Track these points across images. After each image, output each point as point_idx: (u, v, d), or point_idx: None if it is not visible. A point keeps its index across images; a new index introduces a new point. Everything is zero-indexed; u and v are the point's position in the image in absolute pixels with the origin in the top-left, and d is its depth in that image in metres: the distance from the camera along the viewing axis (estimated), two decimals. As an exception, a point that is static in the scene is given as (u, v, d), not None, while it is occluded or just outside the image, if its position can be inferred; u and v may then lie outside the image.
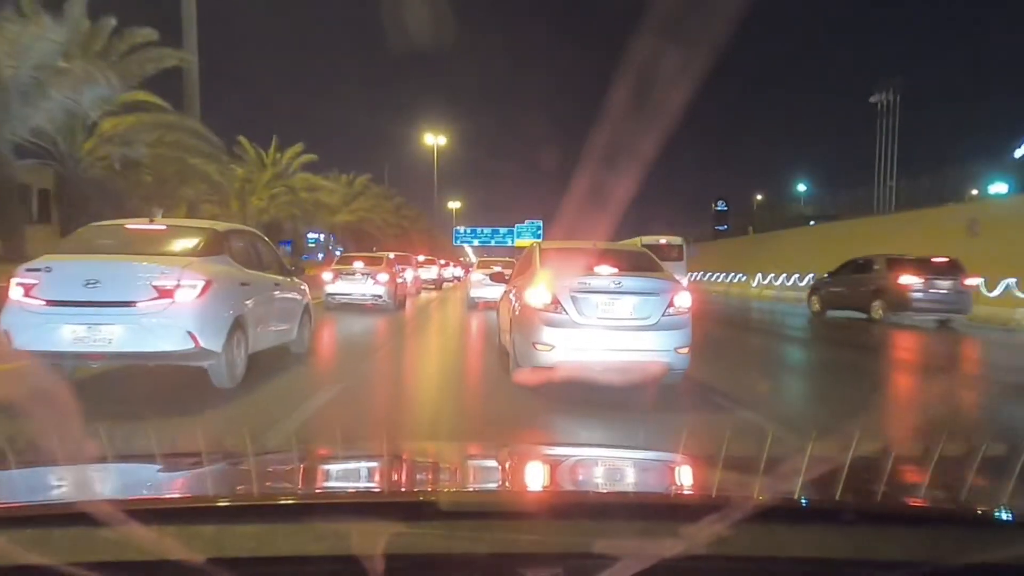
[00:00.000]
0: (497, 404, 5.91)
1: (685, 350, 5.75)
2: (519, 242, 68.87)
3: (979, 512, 1.23)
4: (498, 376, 7.02)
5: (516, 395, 5.96)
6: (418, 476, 1.66)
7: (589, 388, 5.69)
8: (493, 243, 70.45)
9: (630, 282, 5.86)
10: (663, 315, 5.70)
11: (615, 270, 6.02)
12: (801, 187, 65.15)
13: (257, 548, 1.02)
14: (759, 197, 68.17)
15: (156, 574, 0.97)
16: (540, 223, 70.24)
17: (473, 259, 50.28)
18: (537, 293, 5.79)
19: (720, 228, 70.48)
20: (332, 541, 1.01)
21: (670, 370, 5.71)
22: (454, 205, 73.16)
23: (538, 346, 5.63)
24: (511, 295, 6.96)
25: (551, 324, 5.64)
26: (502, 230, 71.89)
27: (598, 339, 5.64)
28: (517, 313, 6.18)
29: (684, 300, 5.84)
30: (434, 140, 54.92)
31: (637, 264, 6.45)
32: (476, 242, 70.98)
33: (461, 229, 72.10)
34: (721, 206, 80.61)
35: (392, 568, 0.95)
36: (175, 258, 5.89)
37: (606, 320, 5.69)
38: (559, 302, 5.66)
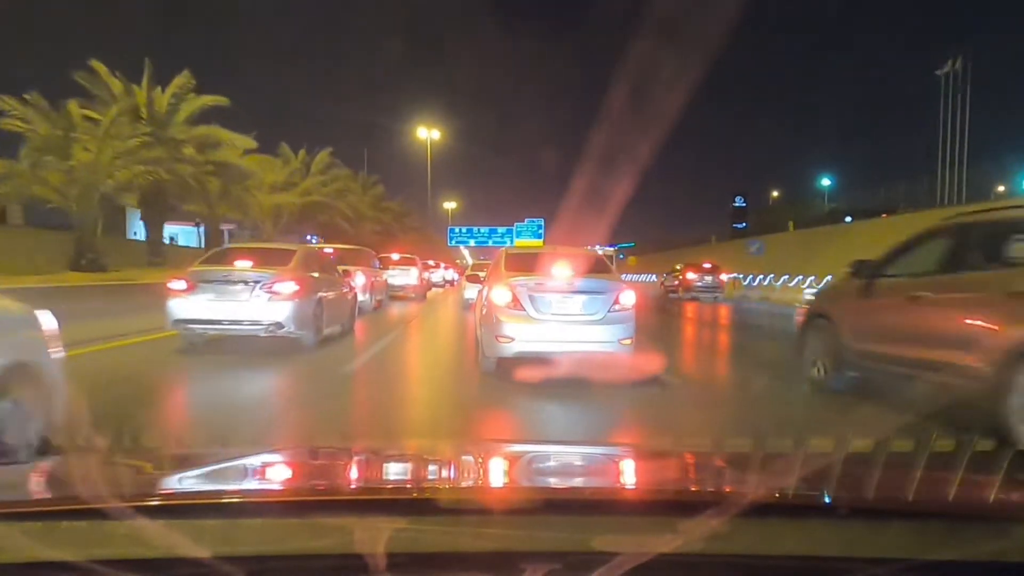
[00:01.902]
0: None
1: (628, 341, 6.77)
2: (519, 242, 64.41)
3: (970, 507, 1.27)
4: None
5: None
6: (420, 473, 1.69)
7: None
8: (491, 243, 66.28)
9: (580, 283, 6.87)
10: (608, 311, 6.76)
11: (569, 272, 6.95)
12: (825, 182, 61.78)
13: (261, 544, 1.06)
14: (775, 193, 64.28)
15: (162, 569, 0.99)
16: (542, 221, 67.22)
17: (469, 261, 48.18)
18: (500, 293, 6.84)
19: (738, 226, 66.43)
20: (335, 537, 1.04)
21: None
22: (449, 206, 69.90)
23: (500, 338, 6.68)
24: (482, 294, 7.99)
25: (511, 319, 6.69)
26: (500, 230, 68.34)
27: (552, 332, 6.68)
28: (484, 310, 7.19)
29: (628, 299, 6.91)
30: (427, 134, 51.52)
31: (588, 267, 7.32)
32: (473, 242, 67.66)
33: (456, 229, 68.25)
34: (739, 202, 75.92)
35: (394, 564, 0.98)
36: None
37: (559, 316, 6.71)
38: (518, 300, 6.70)
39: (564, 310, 6.69)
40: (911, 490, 1.28)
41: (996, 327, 4.07)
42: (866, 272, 5.87)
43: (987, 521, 1.17)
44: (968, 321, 4.35)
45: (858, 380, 5.99)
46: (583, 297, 6.74)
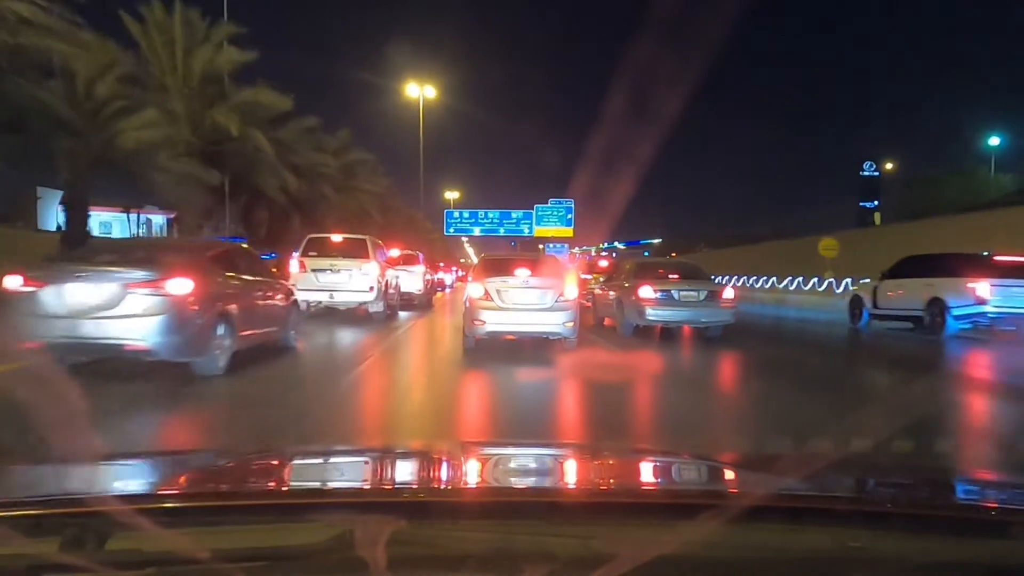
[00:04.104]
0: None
1: (571, 324, 9.52)
2: (539, 230, 57.22)
3: (970, 508, 1.36)
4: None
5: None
6: (419, 474, 1.79)
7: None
8: (503, 231, 57.92)
9: (534, 280, 9.64)
10: (555, 301, 9.46)
11: (528, 272, 9.77)
12: (993, 141, 46.49)
13: (261, 544, 1.11)
14: (889, 166, 48.69)
15: (162, 569, 1.03)
16: (571, 204, 57.36)
17: (474, 258, 42.18)
18: (475, 288, 9.57)
19: (867, 205, 50.33)
20: (335, 538, 1.09)
21: (562, 337, 9.66)
22: (452, 195, 63.23)
23: (475, 322, 9.31)
24: (464, 291, 10.89)
25: (484, 308, 9.34)
26: (515, 213, 58.45)
27: (514, 317, 9.45)
28: (466, 301, 9.81)
29: (571, 292, 9.65)
30: (419, 92, 41.22)
31: (543, 268, 10.28)
32: (478, 231, 58.88)
33: (455, 213, 58.43)
34: (869, 169, 58.98)
35: (394, 564, 1.02)
36: None
37: (519, 304, 9.43)
38: (489, 293, 9.37)
39: (523, 300, 9.41)
40: (910, 491, 1.49)
41: (618, 294, 12.52)
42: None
43: (987, 521, 1.23)
44: (616, 294, 12.65)
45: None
46: (536, 291, 9.46)
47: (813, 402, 6.53)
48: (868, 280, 16.21)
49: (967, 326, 13.04)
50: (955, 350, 12.13)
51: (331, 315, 14.30)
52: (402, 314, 16.66)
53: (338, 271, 13.32)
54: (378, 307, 13.71)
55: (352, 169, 32.38)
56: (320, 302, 13.47)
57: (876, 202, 51.05)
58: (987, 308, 12.72)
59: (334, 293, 13.19)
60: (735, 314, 11.95)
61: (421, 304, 19.46)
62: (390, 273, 15.31)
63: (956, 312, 12.96)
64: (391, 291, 15.32)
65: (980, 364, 11.05)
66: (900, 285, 14.48)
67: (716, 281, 13.62)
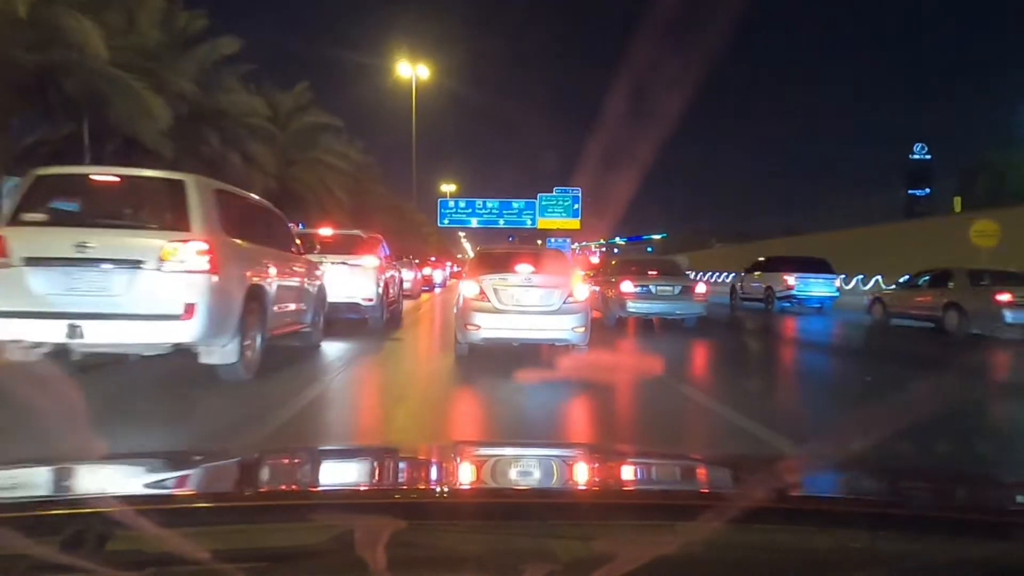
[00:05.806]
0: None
1: (581, 329, 8.02)
2: (543, 221, 53.30)
3: (970, 508, 1.31)
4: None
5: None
6: (420, 474, 1.73)
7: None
8: (503, 223, 53.90)
9: (538, 278, 8.13)
10: (563, 303, 7.96)
11: (531, 268, 8.26)
12: None
13: (261, 544, 1.10)
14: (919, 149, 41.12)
15: (162, 569, 1.01)
16: (578, 193, 53.21)
17: (471, 253, 36.56)
18: (469, 287, 8.11)
19: (917, 193, 42.94)
20: (335, 538, 1.06)
21: (571, 344, 8.06)
22: (449, 188, 58.02)
23: (469, 326, 7.86)
24: (457, 289, 9.33)
25: (478, 310, 7.87)
26: (516, 203, 54.01)
27: (514, 321, 7.91)
28: (458, 302, 8.44)
29: (581, 292, 8.19)
30: (411, 72, 38.32)
31: (548, 264, 8.73)
32: (475, 222, 54.25)
33: (450, 203, 54.38)
34: (919, 152, 51.28)
35: (394, 564, 1.00)
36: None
37: (520, 306, 7.93)
38: (485, 293, 7.90)
39: (524, 301, 7.89)
40: (910, 491, 1.44)
41: (603, 288, 13.27)
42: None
43: (987, 522, 1.20)
44: (601, 289, 13.26)
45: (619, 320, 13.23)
46: (541, 290, 7.95)
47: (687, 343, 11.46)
48: (734, 274, 23.96)
49: (786, 304, 19.76)
50: (769, 317, 18.47)
51: (119, 374, 6.42)
52: (330, 349, 8.94)
53: (104, 266, 5.35)
54: (225, 353, 5.78)
55: (312, 136, 24.70)
56: (51, 345, 5.39)
57: (930, 189, 43.70)
58: (794, 292, 19.46)
59: (87, 323, 5.21)
60: (707, 307, 13.36)
61: (375, 324, 11.45)
62: (290, 270, 7.51)
63: (778, 295, 19.71)
64: (296, 307, 7.65)
65: (770, 322, 17.12)
66: (751, 278, 21.25)
67: (690, 277, 15.21)
